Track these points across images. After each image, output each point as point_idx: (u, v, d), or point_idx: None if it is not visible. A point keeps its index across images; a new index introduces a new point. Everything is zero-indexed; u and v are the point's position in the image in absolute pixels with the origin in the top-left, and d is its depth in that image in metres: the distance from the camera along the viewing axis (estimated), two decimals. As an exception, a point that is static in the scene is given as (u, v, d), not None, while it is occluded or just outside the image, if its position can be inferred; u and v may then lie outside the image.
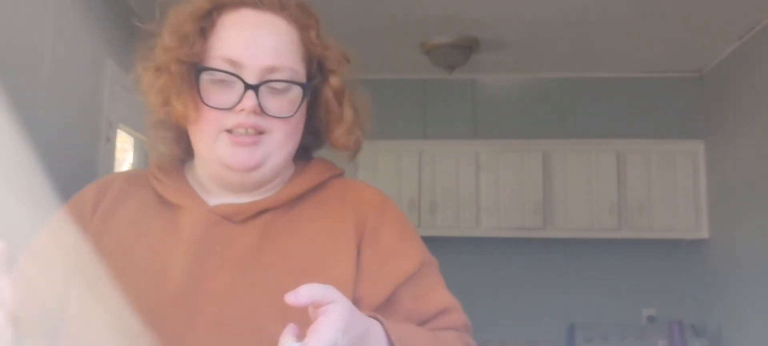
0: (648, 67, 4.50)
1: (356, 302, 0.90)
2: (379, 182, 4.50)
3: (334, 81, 1.05)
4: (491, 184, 4.45)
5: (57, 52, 2.61)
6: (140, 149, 3.69)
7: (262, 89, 0.94)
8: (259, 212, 0.98)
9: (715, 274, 4.28)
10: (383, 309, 0.93)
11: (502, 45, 4.09)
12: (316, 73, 1.03)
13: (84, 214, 0.99)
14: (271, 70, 0.95)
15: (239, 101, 0.93)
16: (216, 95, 0.95)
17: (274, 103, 0.96)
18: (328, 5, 4.10)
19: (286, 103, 0.97)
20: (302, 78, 0.99)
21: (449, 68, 4.08)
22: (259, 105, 0.94)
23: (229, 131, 0.94)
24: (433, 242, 4.75)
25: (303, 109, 1.00)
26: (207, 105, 0.95)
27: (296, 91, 0.98)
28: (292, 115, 0.97)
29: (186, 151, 1.04)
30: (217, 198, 1.01)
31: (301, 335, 0.72)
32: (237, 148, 0.95)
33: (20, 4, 2.40)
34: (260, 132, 0.95)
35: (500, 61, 4.36)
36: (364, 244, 0.98)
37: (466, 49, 4.00)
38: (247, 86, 0.93)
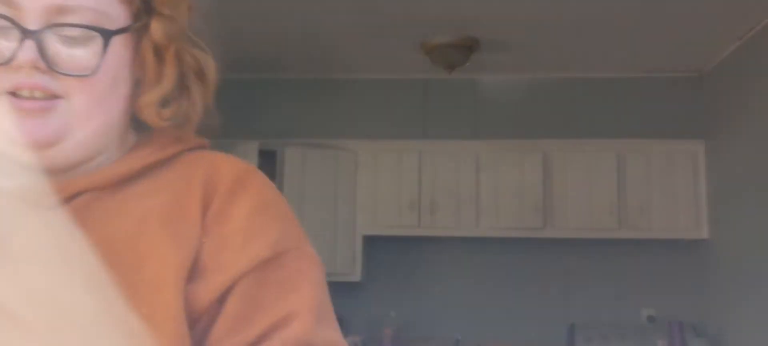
0: (648, 67, 4.49)
1: (189, 303, 0.70)
2: (379, 182, 4.50)
3: (155, 27, 0.78)
4: (491, 184, 4.45)
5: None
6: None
7: (48, 37, 0.71)
8: (74, 194, 0.74)
9: (715, 274, 4.27)
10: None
11: (502, 45, 4.09)
12: (142, 14, 0.77)
13: None
14: (60, 10, 0.71)
15: (14, 54, 0.70)
16: None
17: (67, 57, 0.72)
18: (329, 5, 4.12)
19: (88, 56, 0.73)
20: (116, 22, 0.74)
21: (449, 68, 4.08)
22: (43, 58, 0.70)
23: (13, 95, 0.71)
24: (433, 242, 4.73)
25: (121, 64, 0.76)
26: None
27: (99, 42, 0.73)
28: (91, 74, 0.72)
29: None
30: (5, 176, 0.77)
31: None
32: (24, 119, 0.71)
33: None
34: (53, 96, 0.72)
35: (500, 61, 4.36)
36: (208, 227, 0.73)
37: (466, 49, 4.00)
38: (25, 33, 0.70)
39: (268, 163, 4.47)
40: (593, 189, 4.39)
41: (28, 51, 0.70)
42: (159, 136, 0.82)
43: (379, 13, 3.65)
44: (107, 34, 0.73)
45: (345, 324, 4.58)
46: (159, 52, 0.79)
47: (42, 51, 0.70)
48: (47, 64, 0.70)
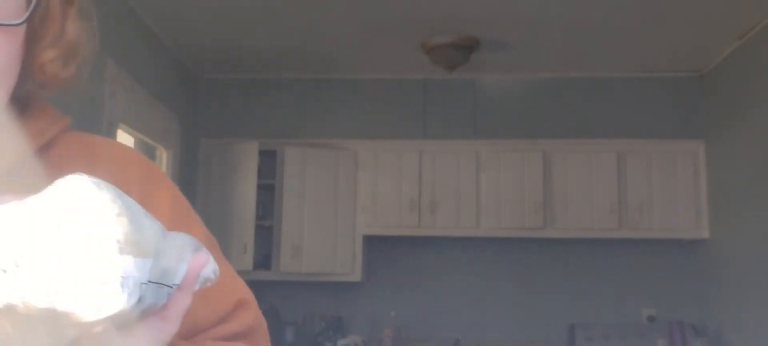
0: (648, 67, 4.50)
1: None
2: (379, 182, 4.50)
3: None
4: (491, 184, 4.45)
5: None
6: (142, 149, 3.69)
7: None
8: None
9: (715, 274, 4.28)
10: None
11: (502, 45, 4.09)
12: None
13: None
14: None
15: None
16: None
17: None
18: (329, 5, 4.12)
19: (9, 5, 0.63)
20: None
21: (449, 68, 4.08)
22: None
23: None
24: (433, 242, 4.74)
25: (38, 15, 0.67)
26: None
27: None
28: (21, 23, 0.63)
29: None
30: None
31: None
32: None
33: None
34: None
35: (500, 61, 4.36)
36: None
37: (466, 48, 4.00)
38: None
39: (268, 163, 4.48)
40: (593, 189, 4.39)
41: None
42: (36, 113, 0.72)
43: (379, 13, 3.65)
44: None
45: (345, 324, 4.58)
46: (66, 4, 0.70)
47: None
48: None
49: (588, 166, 4.42)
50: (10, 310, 0.40)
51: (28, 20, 0.64)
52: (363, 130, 4.61)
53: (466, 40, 3.95)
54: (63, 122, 0.73)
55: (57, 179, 0.49)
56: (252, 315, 0.78)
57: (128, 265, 0.44)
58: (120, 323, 0.45)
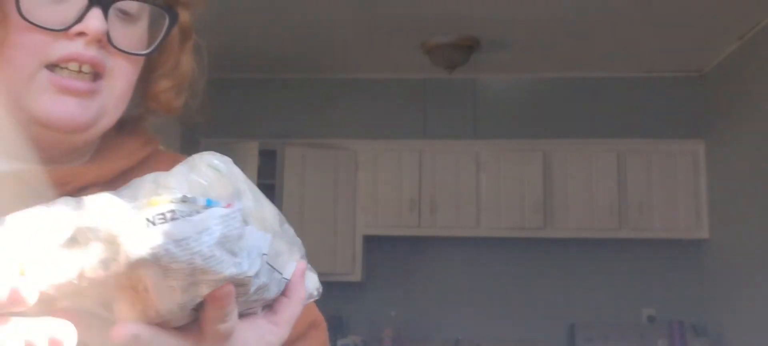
0: (648, 67, 4.50)
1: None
2: (379, 182, 4.50)
3: (184, 15, 0.74)
4: (491, 184, 4.45)
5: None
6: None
7: (112, 8, 0.64)
8: (82, 187, 0.66)
9: (715, 274, 4.28)
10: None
11: (503, 45, 4.09)
12: None
13: None
14: None
15: (80, 19, 0.62)
16: (42, 7, 0.62)
17: (123, 33, 0.66)
18: (329, 5, 4.12)
19: (138, 35, 0.68)
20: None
21: (449, 68, 4.08)
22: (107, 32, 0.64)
23: (51, 70, 0.63)
24: (433, 242, 4.75)
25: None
26: (26, 20, 0.61)
27: (146, 22, 0.69)
28: (149, 52, 0.69)
29: None
30: (7, 158, 0.67)
31: None
32: (64, 98, 0.63)
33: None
34: (98, 76, 0.65)
35: (500, 61, 4.36)
36: None
37: (466, 48, 4.00)
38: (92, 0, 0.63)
39: (268, 163, 4.47)
40: (593, 189, 4.39)
41: (96, 20, 0.62)
42: (133, 132, 0.77)
43: (379, 13, 3.65)
44: (174, 16, 0.69)
45: (345, 324, 4.58)
46: (184, 38, 0.75)
47: (107, 22, 0.63)
48: (108, 37, 0.64)
49: (588, 166, 4.42)
50: (150, 264, 0.42)
51: (153, 53, 0.69)
52: (363, 130, 4.61)
53: (466, 40, 3.95)
54: (154, 143, 0.78)
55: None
56: (324, 336, 0.79)
57: (253, 233, 0.47)
58: (241, 291, 0.47)
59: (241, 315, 0.50)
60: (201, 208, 0.43)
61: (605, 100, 4.60)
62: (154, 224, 0.42)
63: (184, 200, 0.43)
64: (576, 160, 4.43)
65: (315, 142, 4.58)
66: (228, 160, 0.48)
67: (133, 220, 0.42)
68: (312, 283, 0.58)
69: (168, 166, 0.72)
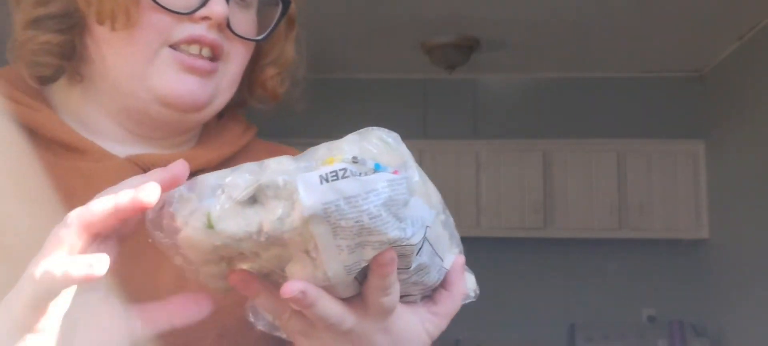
0: (648, 67, 4.50)
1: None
2: (379, 182, 4.50)
3: (292, 4, 0.78)
4: (491, 184, 4.45)
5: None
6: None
7: None
8: (194, 172, 0.65)
9: (715, 274, 4.28)
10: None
11: (503, 45, 4.09)
12: None
13: None
14: None
15: (204, 4, 0.65)
16: None
17: (240, 19, 0.70)
18: (329, 5, 4.10)
19: (251, 20, 0.72)
20: None
21: (449, 68, 4.08)
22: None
23: (174, 49, 0.66)
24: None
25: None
26: (156, 2, 0.64)
27: (255, 9, 0.72)
28: (263, 37, 0.72)
29: (72, 70, 0.70)
30: (114, 144, 0.69)
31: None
32: (187, 76, 0.66)
33: None
34: (215, 58, 0.68)
35: (500, 61, 4.36)
36: None
37: (466, 48, 4.00)
38: None
39: (268, 163, 4.47)
40: (593, 189, 4.39)
41: (220, 5, 0.65)
42: (234, 119, 0.80)
43: (379, 13, 3.65)
44: (287, 4, 0.72)
45: (345, 324, 4.58)
46: (290, 26, 0.79)
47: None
48: (228, 22, 0.67)
49: (588, 166, 4.42)
50: (321, 220, 0.45)
51: (267, 38, 0.72)
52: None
53: (466, 40, 3.95)
54: (252, 130, 0.83)
55: None
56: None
57: (418, 203, 0.48)
58: (402, 263, 0.48)
59: (401, 300, 0.51)
60: (370, 170, 0.45)
61: (605, 100, 4.60)
62: (326, 180, 0.44)
63: (355, 160, 0.45)
64: (576, 160, 4.43)
65: (314, 142, 4.54)
66: (396, 136, 0.49)
67: (308, 177, 0.45)
68: (470, 283, 0.60)
69: (267, 153, 0.76)
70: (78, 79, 0.70)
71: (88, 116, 0.70)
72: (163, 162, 0.64)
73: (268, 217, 0.46)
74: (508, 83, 4.72)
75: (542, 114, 4.61)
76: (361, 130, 0.49)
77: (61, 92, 0.71)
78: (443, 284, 0.55)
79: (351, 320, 0.50)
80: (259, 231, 0.46)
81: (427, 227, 0.49)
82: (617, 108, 4.56)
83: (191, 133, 0.75)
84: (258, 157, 0.71)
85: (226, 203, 0.46)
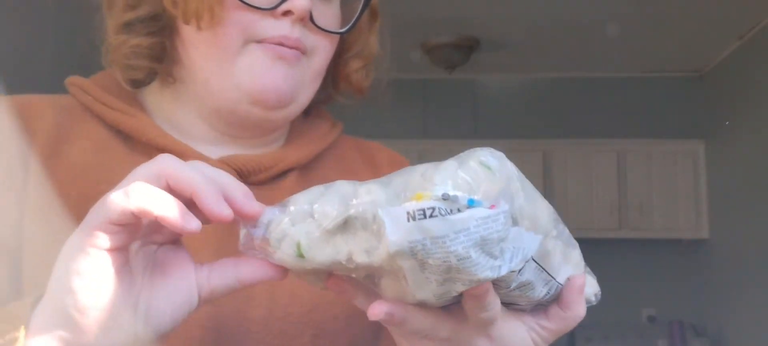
0: (648, 67, 4.49)
1: None
2: (379, 182, 4.50)
3: None
4: (491, 184, 4.45)
5: (57, 51, 2.61)
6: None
7: None
8: (284, 171, 0.71)
9: (715, 274, 4.28)
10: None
11: (502, 45, 4.09)
12: None
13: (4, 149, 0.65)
14: None
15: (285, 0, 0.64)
16: None
17: (323, 12, 0.68)
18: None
19: (334, 13, 0.71)
20: None
21: (449, 68, 4.08)
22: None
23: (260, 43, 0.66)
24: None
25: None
26: None
27: (339, 2, 0.71)
28: (346, 30, 0.70)
29: (164, 72, 0.71)
30: (206, 145, 0.70)
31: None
32: (276, 65, 0.65)
33: (20, 3, 2.41)
34: (301, 53, 0.67)
35: (500, 61, 4.36)
36: None
37: (466, 49, 4.00)
38: None
39: (268, 163, 4.47)
40: (593, 189, 4.39)
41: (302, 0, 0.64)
42: (320, 116, 0.80)
43: (379, 14, 3.65)
44: None
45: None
46: (372, 17, 0.77)
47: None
48: (311, 15, 0.65)
49: (588, 166, 4.42)
50: (408, 256, 0.44)
51: (350, 30, 0.71)
52: (363, 130, 4.60)
53: (466, 40, 3.95)
54: (338, 127, 0.81)
55: (340, 178, 0.54)
56: None
57: (520, 234, 0.46)
58: (500, 284, 0.47)
59: (506, 304, 0.50)
60: (463, 206, 0.43)
61: (605, 100, 4.60)
62: (414, 219, 0.43)
63: (445, 197, 0.43)
64: (576, 160, 4.43)
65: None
66: (501, 156, 0.48)
67: (396, 213, 0.43)
68: (591, 288, 0.58)
69: (355, 150, 0.81)
70: (170, 82, 0.70)
71: (181, 118, 0.70)
72: (253, 163, 0.68)
73: (357, 247, 0.46)
74: (508, 83, 4.72)
75: (542, 114, 4.61)
76: (462, 154, 0.47)
77: (155, 95, 0.72)
78: (559, 303, 0.53)
79: (447, 330, 0.49)
80: (349, 259, 0.46)
81: (531, 258, 0.48)
82: (617, 108, 4.56)
83: (280, 132, 0.74)
84: (345, 154, 0.79)
85: (316, 232, 0.46)
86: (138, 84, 0.72)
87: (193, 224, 0.44)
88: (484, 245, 0.44)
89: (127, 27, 0.68)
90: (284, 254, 0.47)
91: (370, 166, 0.79)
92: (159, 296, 0.48)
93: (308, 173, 0.73)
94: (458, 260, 0.43)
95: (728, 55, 4.12)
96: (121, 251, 0.45)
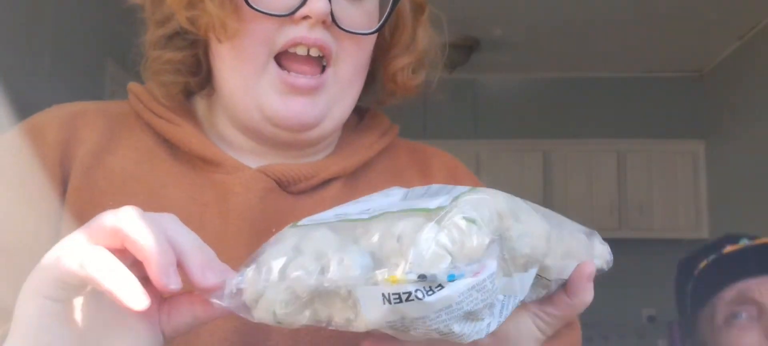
0: (648, 67, 4.49)
1: None
2: (379, 182, 4.50)
3: None
4: (491, 184, 4.40)
5: (57, 51, 2.61)
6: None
7: None
8: (326, 180, 0.69)
9: (715, 274, 4.27)
10: None
11: (502, 45, 4.09)
12: None
13: (46, 159, 0.65)
14: None
15: (303, 2, 0.62)
16: None
17: (349, 14, 0.65)
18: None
19: (365, 15, 0.67)
20: None
21: (449, 68, 4.07)
22: (332, 13, 0.63)
23: (280, 64, 0.64)
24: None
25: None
26: (252, 7, 0.62)
27: (376, 1, 0.68)
28: (374, 31, 0.67)
29: (198, 85, 0.71)
30: (249, 155, 0.69)
31: None
32: (293, 99, 0.64)
33: (20, 3, 2.41)
34: (325, 59, 0.65)
35: (500, 61, 4.36)
36: None
37: (466, 49, 4.00)
38: None
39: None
40: (593, 189, 4.39)
41: (319, 1, 0.61)
42: (374, 119, 0.77)
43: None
44: None
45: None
46: (417, 12, 0.73)
47: (332, 4, 0.62)
48: (333, 18, 0.63)
49: (588, 166, 4.42)
50: (389, 329, 0.43)
51: (379, 30, 0.66)
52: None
53: (466, 40, 3.95)
54: (394, 130, 0.78)
55: (389, 185, 0.53)
56: (576, 337, 0.74)
57: (509, 285, 0.45)
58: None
59: None
60: (443, 282, 0.40)
61: (605, 100, 4.60)
62: (389, 302, 0.41)
63: (422, 278, 0.40)
64: (576, 160, 4.43)
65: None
66: (488, 198, 0.44)
67: (371, 294, 0.41)
68: (600, 260, 0.55)
69: (408, 155, 0.77)
70: (210, 93, 0.70)
71: (223, 129, 0.70)
72: (293, 172, 0.66)
73: (336, 315, 0.44)
74: (508, 83, 4.72)
75: (542, 114, 4.61)
76: (446, 208, 0.43)
77: (202, 105, 0.72)
78: (566, 290, 0.52)
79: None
80: (329, 322, 0.45)
81: (522, 300, 0.46)
82: (617, 108, 4.56)
83: (328, 140, 0.72)
84: (398, 159, 0.76)
85: (291, 303, 0.45)
86: (189, 94, 0.72)
87: (139, 303, 0.42)
88: (469, 316, 0.42)
89: (159, 43, 0.68)
90: (262, 313, 0.46)
91: (423, 173, 0.76)
92: (119, 338, 0.48)
93: (355, 180, 0.71)
94: (441, 334, 0.42)
95: (728, 55, 4.12)
96: (67, 302, 0.45)
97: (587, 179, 4.41)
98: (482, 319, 0.43)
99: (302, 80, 0.63)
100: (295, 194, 0.67)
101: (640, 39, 3.98)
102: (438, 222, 0.42)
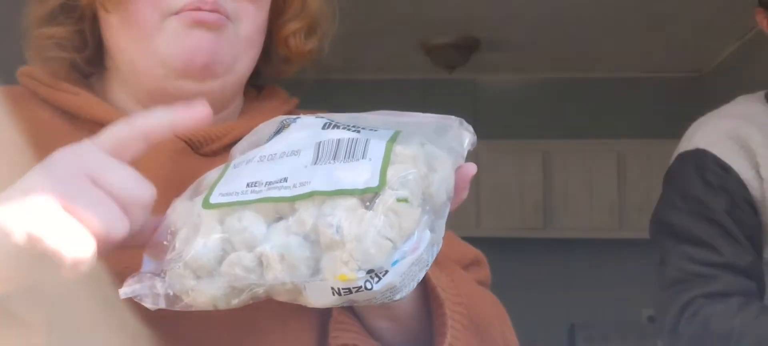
0: (648, 67, 4.49)
1: None
2: (379, 182, 4.50)
3: None
4: (491, 184, 4.44)
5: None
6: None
7: None
8: (235, 140, 0.65)
9: (715, 274, 4.27)
10: None
11: (502, 45, 4.09)
12: None
13: None
14: None
15: None
16: None
17: None
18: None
19: None
20: None
21: (449, 68, 4.08)
22: None
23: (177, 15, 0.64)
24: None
25: None
26: None
27: None
28: None
29: (89, 63, 0.70)
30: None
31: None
32: (197, 32, 0.63)
33: (20, 3, 2.40)
34: (224, 16, 0.64)
35: (500, 61, 4.36)
36: None
37: (466, 49, 4.00)
38: None
39: (268, 163, 4.47)
40: (593, 189, 4.39)
41: None
42: (272, 92, 0.79)
43: (380, 14, 3.65)
44: None
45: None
46: None
47: None
48: None
49: (588, 166, 4.42)
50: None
51: None
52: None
53: (466, 40, 3.95)
54: (291, 103, 0.81)
55: None
56: (487, 272, 0.83)
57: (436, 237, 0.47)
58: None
59: None
60: (389, 268, 0.43)
61: (605, 100, 4.60)
62: (339, 294, 0.44)
63: (370, 272, 0.43)
64: (576, 160, 4.43)
65: (315, 142, 4.57)
66: (412, 169, 0.46)
67: (320, 287, 0.44)
68: (472, 145, 0.58)
69: None
70: (103, 70, 0.70)
71: (124, 105, 0.69)
72: (202, 133, 0.66)
73: (279, 296, 0.46)
74: (508, 83, 4.72)
75: (542, 114, 4.61)
76: (369, 190, 0.45)
77: (97, 85, 0.71)
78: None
79: None
80: (270, 291, 0.46)
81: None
82: (617, 108, 4.56)
83: (230, 109, 0.72)
84: None
85: (230, 295, 0.46)
86: (86, 73, 0.71)
87: (82, 264, 0.42)
88: (412, 280, 0.45)
89: (41, 20, 0.67)
90: (200, 303, 0.46)
91: None
92: None
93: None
94: (387, 300, 0.45)
95: (728, 55, 4.12)
96: None
97: (587, 180, 4.41)
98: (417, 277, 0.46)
99: (206, 14, 0.62)
100: (206, 156, 0.66)
101: (640, 39, 3.98)
102: (373, 209, 0.44)
